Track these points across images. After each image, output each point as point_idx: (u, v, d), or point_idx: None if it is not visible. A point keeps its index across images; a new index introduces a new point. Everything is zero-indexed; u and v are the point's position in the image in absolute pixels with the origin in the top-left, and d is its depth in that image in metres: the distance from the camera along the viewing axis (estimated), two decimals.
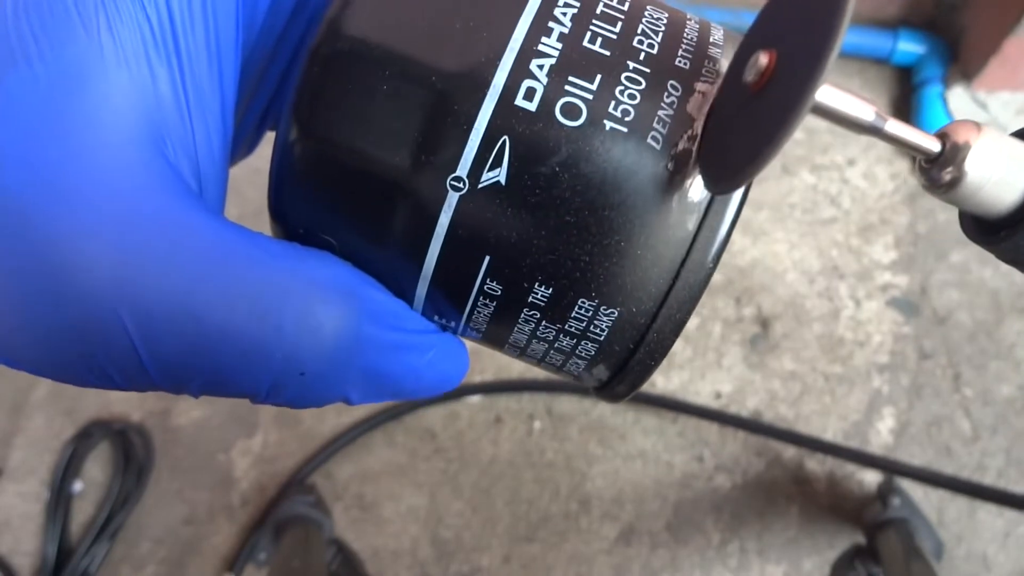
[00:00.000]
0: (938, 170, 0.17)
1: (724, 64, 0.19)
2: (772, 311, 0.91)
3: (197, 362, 0.17)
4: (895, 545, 0.75)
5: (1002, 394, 0.88)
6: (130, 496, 0.85)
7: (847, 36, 0.98)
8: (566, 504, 0.86)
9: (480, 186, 0.18)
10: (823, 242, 0.93)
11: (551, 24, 0.18)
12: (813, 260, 0.93)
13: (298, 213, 0.19)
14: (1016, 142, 0.17)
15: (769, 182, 0.95)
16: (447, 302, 0.20)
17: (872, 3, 0.98)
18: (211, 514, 0.86)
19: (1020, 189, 0.17)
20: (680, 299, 0.19)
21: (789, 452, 0.87)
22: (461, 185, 0.18)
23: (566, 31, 0.18)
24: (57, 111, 0.15)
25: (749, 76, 0.16)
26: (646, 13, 0.19)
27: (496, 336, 0.21)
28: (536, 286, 0.19)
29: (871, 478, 0.86)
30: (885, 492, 0.82)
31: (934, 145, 0.17)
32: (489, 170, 0.18)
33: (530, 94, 0.17)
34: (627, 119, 0.18)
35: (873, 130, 0.16)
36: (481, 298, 0.19)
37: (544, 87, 0.17)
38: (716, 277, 0.90)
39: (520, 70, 0.17)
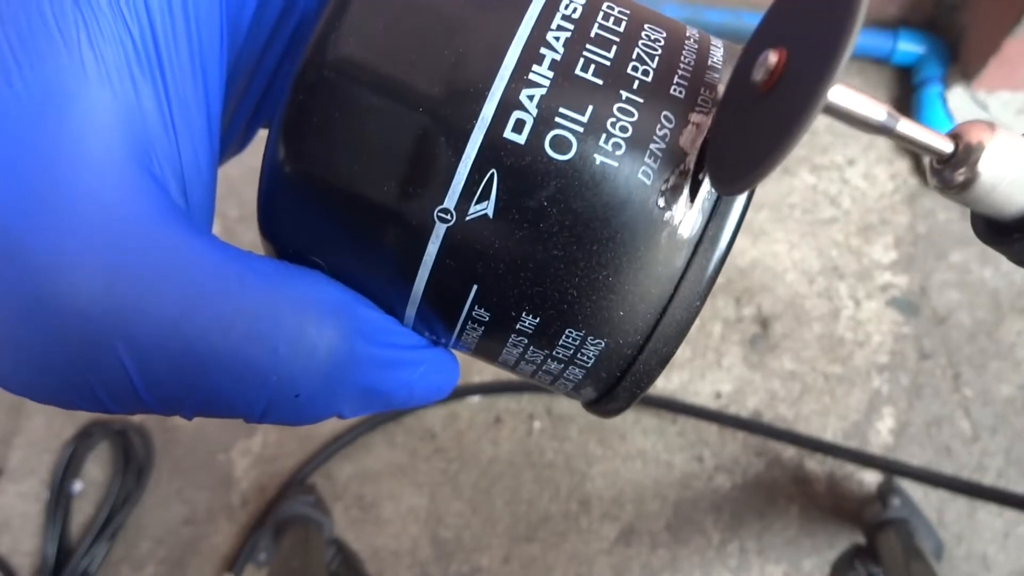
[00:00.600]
0: (951, 171, 0.17)
1: (721, 90, 0.18)
2: (772, 311, 0.91)
3: (191, 387, 0.17)
4: (895, 545, 0.74)
5: (1002, 394, 0.88)
6: (130, 496, 0.84)
7: None
8: (566, 504, 0.86)
9: (468, 218, 0.17)
10: (823, 242, 0.93)
11: (543, 51, 0.17)
12: (813, 260, 0.93)
13: (286, 234, 0.19)
14: None
15: (769, 182, 0.95)
16: (436, 323, 0.20)
17: (872, 3, 0.98)
18: (211, 514, 0.86)
19: None
20: (667, 334, 0.19)
21: (789, 452, 0.87)
22: (448, 217, 0.17)
23: (558, 58, 0.17)
24: (39, 132, 0.15)
25: (758, 75, 0.16)
26: (643, 34, 0.19)
27: (486, 353, 0.21)
28: (523, 315, 0.19)
29: (871, 478, 0.86)
30: (885, 492, 0.82)
31: (947, 146, 0.17)
32: (477, 203, 0.17)
33: (519, 126, 0.17)
34: (618, 153, 0.17)
35: (885, 130, 0.16)
36: (469, 322, 0.19)
37: (534, 119, 0.17)
38: None
39: (509, 101, 0.17)
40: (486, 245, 0.18)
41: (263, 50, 0.21)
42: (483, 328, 0.19)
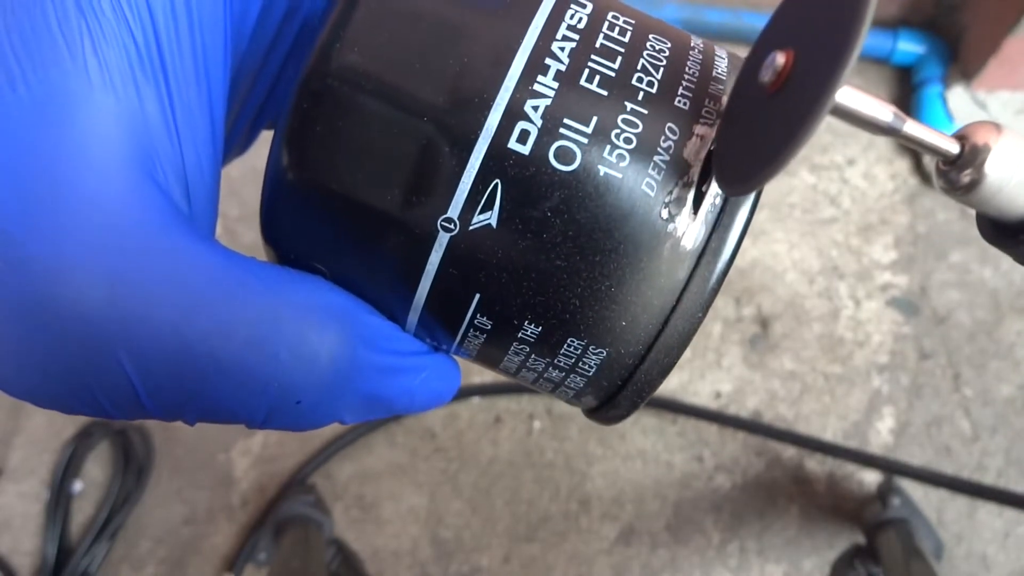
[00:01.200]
0: (957, 172, 0.17)
1: (725, 101, 0.18)
2: (772, 311, 0.91)
3: (192, 393, 0.16)
4: (895, 545, 0.74)
5: (1002, 394, 0.88)
6: (130, 496, 0.84)
7: None
8: (566, 504, 0.86)
9: (471, 228, 0.17)
10: (823, 242, 0.93)
11: (548, 61, 0.17)
12: (813, 260, 0.93)
13: (289, 240, 0.19)
14: None
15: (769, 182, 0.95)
16: (438, 330, 0.20)
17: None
18: (211, 514, 0.86)
19: None
20: (668, 345, 0.19)
21: (789, 452, 0.87)
22: (452, 226, 0.17)
23: (563, 68, 0.17)
24: (42, 136, 0.15)
25: (765, 76, 0.16)
26: (648, 45, 0.19)
27: (487, 360, 0.21)
28: (526, 324, 0.19)
29: (871, 478, 0.86)
30: (885, 492, 0.82)
31: (953, 147, 0.17)
32: (480, 213, 0.17)
33: (524, 137, 0.17)
34: (622, 164, 0.17)
35: (891, 131, 0.16)
36: (472, 330, 0.19)
37: (538, 130, 0.17)
38: None
39: (514, 111, 0.17)
40: (489, 255, 0.18)
41: (267, 53, 0.21)
42: (485, 336, 0.19)
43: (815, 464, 0.87)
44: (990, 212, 0.17)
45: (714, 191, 0.18)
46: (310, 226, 0.19)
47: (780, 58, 0.16)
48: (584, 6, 0.19)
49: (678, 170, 0.18)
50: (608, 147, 0.17)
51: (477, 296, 0.18)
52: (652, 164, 0.17)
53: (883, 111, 0.16)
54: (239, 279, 0.17)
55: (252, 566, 0.83)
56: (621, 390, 0.20)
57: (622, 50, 0.18)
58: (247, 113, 0.23)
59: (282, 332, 0.17)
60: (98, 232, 0.15)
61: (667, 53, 0.19)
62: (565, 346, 0.19)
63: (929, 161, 0.92)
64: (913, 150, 1.01)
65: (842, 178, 0.96)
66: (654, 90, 0.18)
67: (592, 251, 0.18)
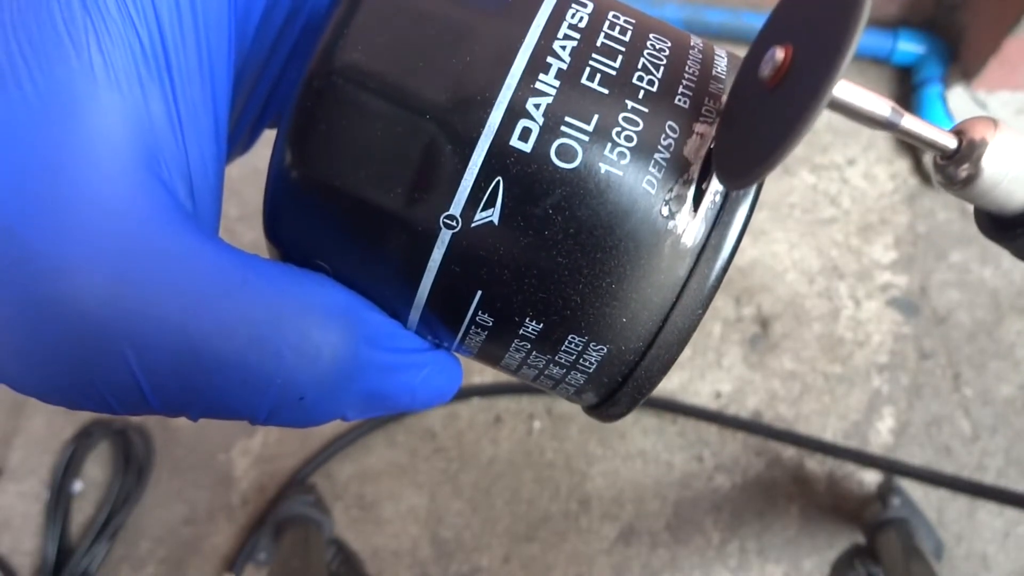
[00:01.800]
0: (954, 167, 0.17)
1: (725, 99, 0.19)
2: (772, 311, 0.91)
3: (197, 390, 0.17)
4: (895, 545, 0.74)
5: (1002, 394, 0.88)
6: (130, 496, 0.84)
7: None
8: (566, 504, 0.86)
9: (473, 225, 0.18)
10: (823, 242, 0.93)
11: (550, 60, 0.17)
12: (813, 260, 0.93)
13: (292, 238, 0.19)
14: None
15: (769, 182, 0.95)
16: (440, 327, 0.20)
17: (872, 3, 0.98)
18: (211, 514, 0.86)
19: None
20: (669, 341, 0.19)
21: (789, 452, 0.87)
22: (454, 223, 0.18)
23: (564, 67, 0.18)
24: (47, 135, 0.15)
25: (765, 71, 0.16)
26: (648, 44, 0.19)
27: (489, 357, 0.21)
28: (527, 320, 0.19)
29: (871, 478, 0.86)
30: (885, 492, 0.82)
31: (950, 141, 0.17)
32: (482, 210, 0.17)
33: (525, 135, 0.17)
34: (623, 162, 0.17)
35: (889, 125, 0.16)
36: (473, 327, 0.19)
37: (540, 128, 0.17)
38: None
39: (516, 109, 0.17)
40: (491, 251, 0.18)
41: (269, 53, 0.22)
42: (486, 333, 0.19)
43: (815, 464, 0.87)
44: (988, 206, 0.17)
45: (714, 189, 0.18)
46: (313, 224, 0.19)
47: (779, 53, 0.16)
48: (585, 5, 0.19)
49: (678, 168, 0.18)
50: (609, 145, 0.17)
51: (479, 293, 0.18)
52: (653, 162, 0.18)
53: (881, 105, 0.16)
54: (243, 277, 0.17)
55: (252, 566, 0.83)
56: (621, 387, 0.20)
57: (623, 49, 0.18)
58: (249, 113, 0.23)
59: (285, 329, 0.17)
60: (103, 230, 0.15)
61: (667, 52, 0.19)
62: (566, 343, 0.19)
63: (929, 161, 0.92)
64: (913, 149, 1.01)
65: (842, 178, 0.96)
66: (654, 89, 0.18)
67: (593, 248, 0.18)
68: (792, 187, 0.96)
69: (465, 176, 0.17)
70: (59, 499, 0.84)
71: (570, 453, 0.87)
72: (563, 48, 0.18)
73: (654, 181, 0.18)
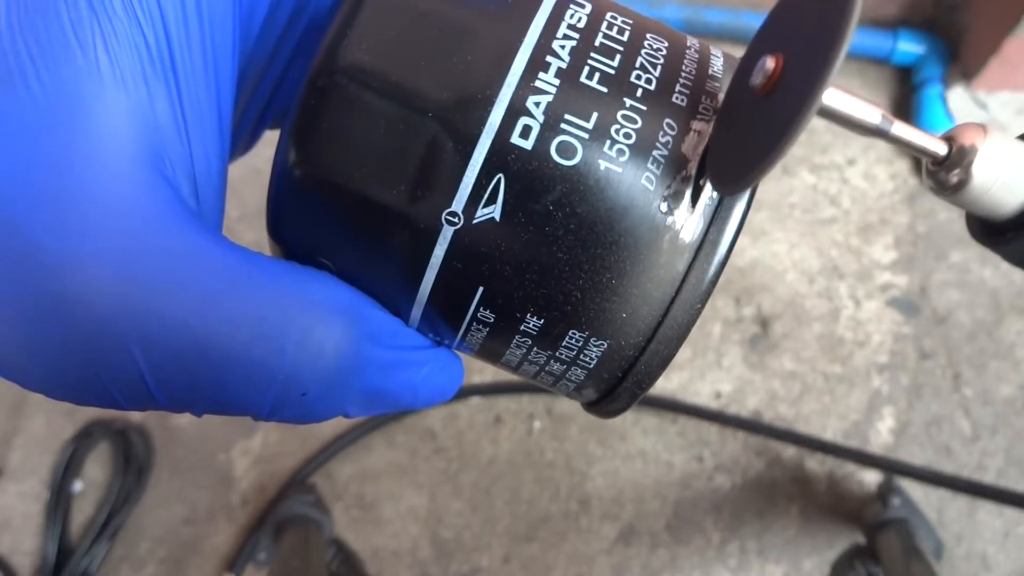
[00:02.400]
0: (945, 173, 0.17)
1: (722, 98, 0.19)
2: (772, 311, 0.91)
3: (202, 386, 0.17)
4: (895, 545, 0.75)
5: (1002, 394, 0.88)
6: (130, 496, 0.85)
7: None
8: (566, 504, 0.86)
9: (475, 221, 0.18)
10: (823, 242, 0.93)
11: (549, 59, 0.18)
12: (813, 260, 0.93)
13: (295, 235, 0.20)
14: (1022, 145, 0.17)
15: (769, 182, 0.95)
16: (441, 324, 0.20)
17: (872, 3, 0.98)
18: (211, 514, 0.86)
19: None
20: (668, 336, 0.19)
21: (789, 452, 0.87)
22: (456, 220, 0.18)
23: (564, 66, 0.18)
24: (55, 134, 0.15)
25: (756, 80, 0.16)
26: (646, 44, 0.19)
27: (490, 354, 0.21)
28: (528, 316, 0.19)
29: (871, 478, 0.86)
30: (885, 492, 0.82)
31: (941, 148, 0.17)
32: (484, 206, 0.18)
33: (526, 132, 0.17)
34: (622, 159, 0.18)
35: (879, 133, 0.16)
36: (474, 323, 0.20)
37: (540, 125, 0.17)
38: None
39: (517, 107, 0.17)
40: (492, 248, 0.18)
41: (272, 52, 0.22)
42: (488, 329, 0.20)
43: (815, 464, 0.87)
44: (978, 211, 0.17)
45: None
46: (316, 221, 0.19)
47: (770, 62, 0.16)
48: (583, 6, 0.19)
49: (676, 165, 0.18)
50: (608, 142, 0.18)
51: (480, 289, 0.19)
52: (651, 159, 0.18)
53: (871, 113, 0.16)
54: (247, 274, 0.17)
55: (252, 566, 0.84)
56: (621, 382, 0.20)
57: (621, 48, 0.18)
58: (252, 112, 0.23)
59: (288, 326, 0.17)
60: (109, 227, 0.15)
61: (664, 52, 0.19)
62: (567, 338, 0.19)
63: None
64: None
65: (842, 178, 0.96)
66: (652, 87, 0.18)
67: (593, 244, 0.18)
68: (792, 187, 0.96)
69: (467, 173, 0.17)
70: (59, 499, 0.84)
71: (570, 453, 0.87)
72: (562, 47, 0.18)
73: (652, 178, 0.18)
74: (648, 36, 0.19)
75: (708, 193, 0.18)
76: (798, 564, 0.85)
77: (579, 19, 0.19)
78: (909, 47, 0.97)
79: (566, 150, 0.17)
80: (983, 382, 0.89)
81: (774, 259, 0.93)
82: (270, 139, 0.21)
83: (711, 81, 0.19)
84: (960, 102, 0.96)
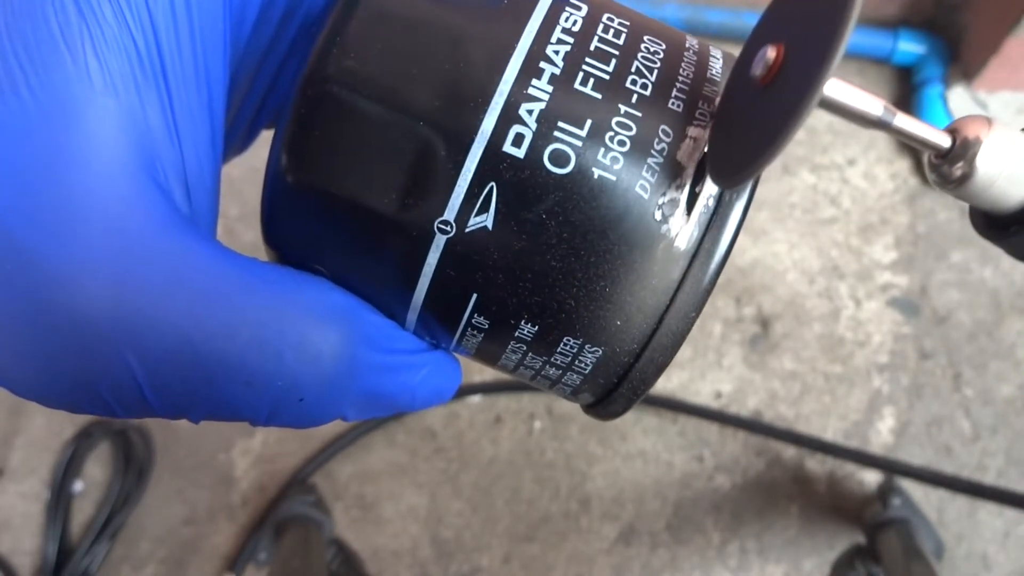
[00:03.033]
0: (948, 166, 0.17)
1: (719, 102, 0.19)
2: (772, 311, 0.91)
3: (199, 393, 0.17)
4: (895, 545, 0.74)
5: (1002, 394, 0.88)
6: (130, 496, 0.85)
7: None
8: (566, 504, 0.86)
9: (467, 230, 0.18)
10: (823, 242, 0.93)
11: (543, 64, 0.18)
12: (813, 260, 0.93)
13: (289, 242, 0.20)
14: None
15: (769, 182, 0.95)
16: (437, 329, 0.20)
17: (872, 3, 0.98)
18: (211, 514, 0.86)
19: None
20: (663, 344, 0.19)
21: (789, 452, 0.87)
22: (448, 228, 0.18)
23: (558, 72, 0.18)
24: (46, 141, 0.15)
25: (757, 70, 0.16)
26: (642, 47, 0.19)
27: (486, 357, 0.21)
28: (522, 323, 0.19)
29: (871, 478, 0.86)
30: (885, 492, 0.82)
31: (944, 140, 0.17)
32: (476, 215, 0.18)
33: (518, 140, 0.17)
34: (616, 167, 0.18)
35: (882, 124, 0.16)
36: (469, 329, 0.20)
37: (533, 133, 0.17)
38: None
39: (509, 115, 0.17)
40: (485, 256, 0.18)
41: (264, 54, 0.22)
42: (483, 334, 0.20)
43: (815, 464, 0.87)
44: (982, 205, 0.17)
45: (707, 192, 0.18)
46: (309, 229, 0.19)
47: (771, 52, 0.16)
48: (579, 8, 0.19)
49: (671, 172, 0.18)
50: (602, 150, 0.17)
51: (474, 296, 0.19)
52: (646, 166, 0.18)
53: (873, 104, 0.16)
54: (242, 280, 0.17)
55: (252, 566, 0.84)
56: (617, 387, 0.20)
57: (616, 52, 0.18)
58: (245, 113, 0.23)
59: (285, 332, 0.17)
60: (103, 235, 0.15)
61: (661, 55, 0.19)
62: (561, 345, 0.19)
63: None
64: (914, 149, 1.00)
65: (842, 178, 0.96)
66: (648, 92, 0.18)
67: (587, 252, 0.18)
68: (792, 187, 0.96)
69: (459, 182, 0.17)
70: (59, 499, 0.84)
71: (570, 453, 0.87)
72: (556, 53, 0.18)
73: (647, 185, 0.18)
74: (645, 38, 0.19)
75: (704, 201, 0.18)
76: (798, 564, 0.85)
77: (574, 22, 0.18)
78: (909, 47, 0.97)
79: (559, 158, 0.17)
80: (983, 382, 0.89)
81: (774, 259, 0.93)
82: (269, 138, 0.21)
83: (709, 85, 0.19)
84: (960, 102, 0.96)
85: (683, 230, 0.18)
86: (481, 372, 0.88)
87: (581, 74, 0.18)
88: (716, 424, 0.87)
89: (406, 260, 0.18)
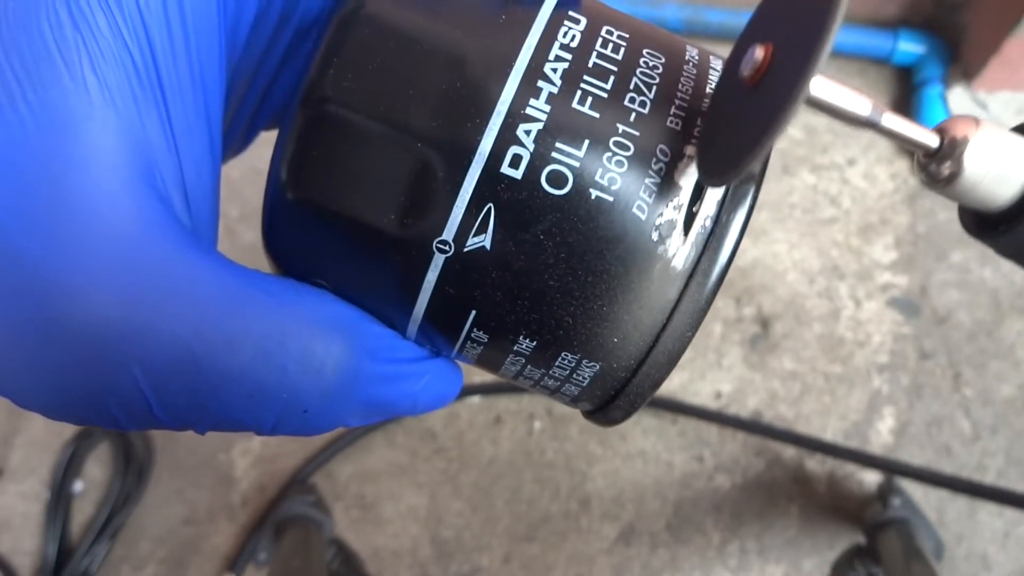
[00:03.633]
0: (936, 165, 0.17)
1: (709, 101, 0.19)
2: (772, 311, 0.91)
3: (204, 405, 0.17)
4: (895, 545, 0.74)
5: (1002, 394, 0.88)
6: (130, 496, 0.85)
7: (847, 36, 0.98)
8: (566, 504, 0.86)
9: (466, 250, 0.18)
10: (823, 242, 0.93)
11: (540, 84, 0.17)
12: (813, 260, 0.93)
13: (290, 256, 0.20)
14: (1014, 137, 0.17)
15: (769, 182, 0.95)
16: (438, 339, 0.20)
17: (872, 3, 0.98)
18: (211, 514, 0.86)
19: (1019, 183, 0.17)
20: (659, 361, 0.19)
21: (789, 452, 0.87)
22: (447, 248, 0.18)
23: (555, 91, 0.17)
24: (47, 156, 0.15)
25: (745, 70, 0.16)
26: (642, 61, 0.19)
27: (486, 366, 0.21)
28: (521, 338, 0.19)
29: (871, 478, 0.86)
30: (885, 492, 0.82)
31: (932, 140, 0.17)
32: (474, 235, 0.18)
33: (516, 161, 0.17)
34: (613, 187, 0.17)
35: (870, 124, 0.16)
36: (469, 342, 0.20)
37: (531, 154, 0.17)
38: None
39: (507, 136, 0.17)
40: (483, 275, 0.18)
41: (260, 60, 0.22)
42: (482, 347, 0.20)
43: (815, 464, 0.87)
44: (971, 204, 0.17)
45: (704, 213, 0.18)
46: (309, 243, 0.19)
47: (759, 52, 0.16)
48: (578, 22, 0.19)
49: (669, 192, 0.18)
50: (600, 170, 0.17)
51: (473, 312, 0.19)
52: (643, 186, 0.18)
53: (860, 103, 0.16)
54: (246, 293, 0.17)
55: (252, 566, 0.84)
56: (615, 399, 0.20)
57: (615, 68, 0.18)
58: (243, 115, 0.23)
59: (289, 344, 0.17)
60: (107, 249, 0.15)
61: (660, 70, 0.19)
62: (559, 359, 0.19)
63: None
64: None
65: (842, 178, 0.96)
66: (646, 111, 0.18)
67: (584, 272, 0.18)
68: (792, 187, 0.96)
69: (457, 203, 0.17)
70: (59, 499, 0.84)
71: (570, 453, 0.87)
72: (554, 71, 0.18)
73: (644, 206, 0.18)
74: (645, 52, 0.19)
75: (701, 220, 0.18)
76: (798, 564, 0.85)
77: (573, 37, 0.18)
78: (909, 47, 0.97)
79: (556, 179, 0.17)
80: (983, 382, 0.89)
81: (774, 259, 0.93)
82: (269, 138, 0.21)
83: (707, 101, 0.19)
84: (960, 102, 0.96)
85: (680, 250, 0.18)
86: (481, 373, 0.88)
87: (579, 92, 0.18)
88: (716, 424, 0.87)
89: (406, 277, 0.18)
